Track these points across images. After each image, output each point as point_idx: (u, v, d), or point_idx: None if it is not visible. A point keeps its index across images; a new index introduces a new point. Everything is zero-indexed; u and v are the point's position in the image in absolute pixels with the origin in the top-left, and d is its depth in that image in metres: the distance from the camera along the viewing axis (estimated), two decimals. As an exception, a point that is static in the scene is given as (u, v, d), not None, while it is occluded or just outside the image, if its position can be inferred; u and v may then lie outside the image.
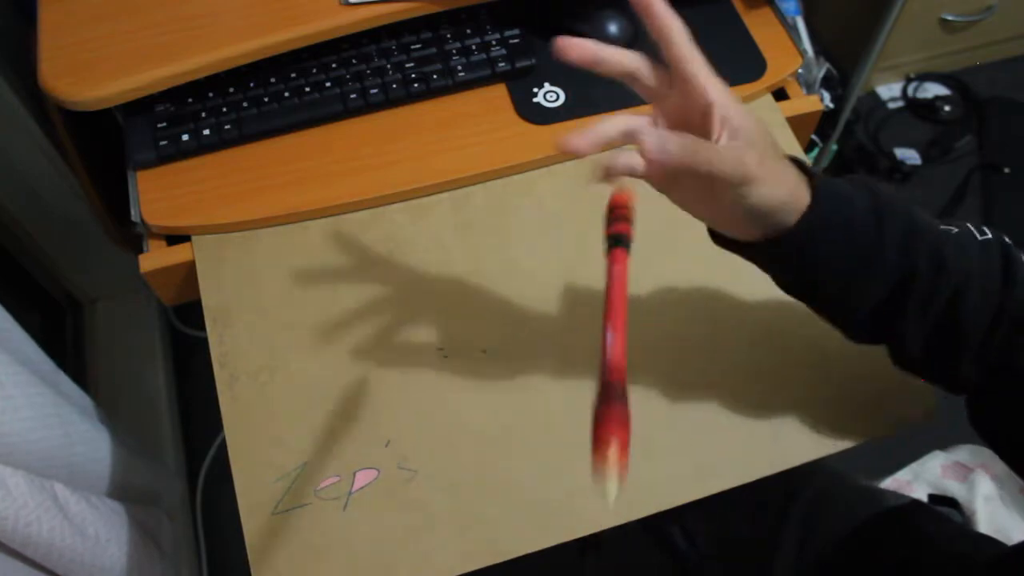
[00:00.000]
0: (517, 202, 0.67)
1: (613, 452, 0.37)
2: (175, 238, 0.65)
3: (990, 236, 0.48)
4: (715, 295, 0.63)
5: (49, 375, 0.74)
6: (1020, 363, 0.46)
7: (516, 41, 0.71)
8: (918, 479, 1.00)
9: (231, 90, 0.68)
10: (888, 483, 1.02)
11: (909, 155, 1.57)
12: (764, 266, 0.50)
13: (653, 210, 0.68)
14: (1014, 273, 0.47)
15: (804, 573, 0.64)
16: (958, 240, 0.47)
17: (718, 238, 0.51)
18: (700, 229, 0.66)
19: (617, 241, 0.46)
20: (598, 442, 0.37)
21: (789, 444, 0.57)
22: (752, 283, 0.64)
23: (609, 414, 0.38)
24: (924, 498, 0.72)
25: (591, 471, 0.37)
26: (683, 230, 0.66)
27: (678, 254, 0.64)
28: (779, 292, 0.63)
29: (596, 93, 0.70)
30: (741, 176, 0.41)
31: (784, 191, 0.43)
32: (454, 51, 0.70)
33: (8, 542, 0.62)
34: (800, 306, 0.63)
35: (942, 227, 0.48)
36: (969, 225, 0.49)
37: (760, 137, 0.43)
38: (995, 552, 0.57)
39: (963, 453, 0.92)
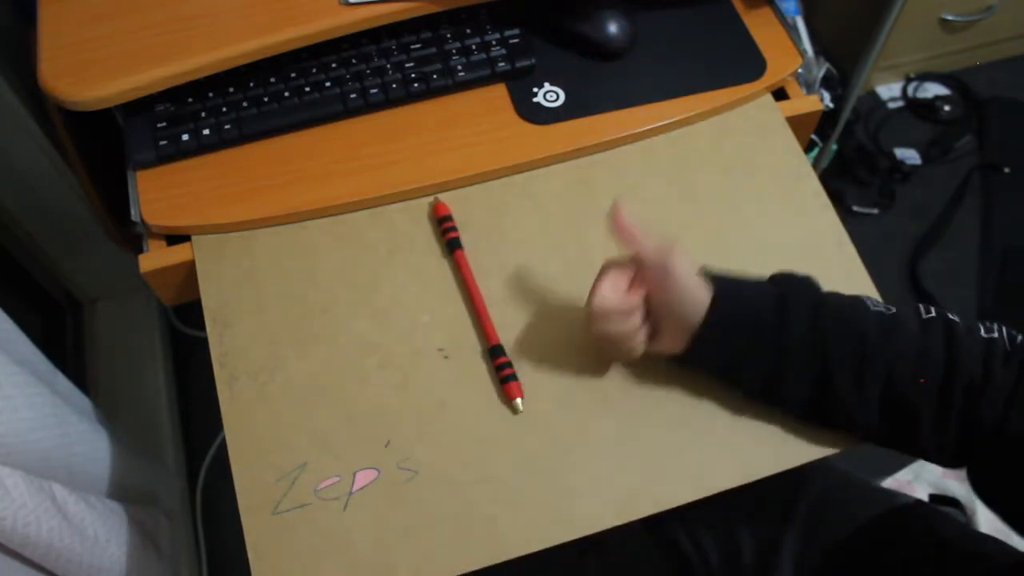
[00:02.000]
0: (517, 202, 0.67)
1: (518, 401, 0.58)
2: (175, 238, 0.65)
3: (934, 314, 0.52)
4: (715, 295, 0.63)
5: (47, 375, 0.74)
6: (986, 427, 0.49)
7: (516, 41, 0.71)
8: (919, 479, 1.00)
9: (231, 90, 0.68)
10: (889, 483, 1.02)
11: (909, 155, 1.57)
12: (701, 362, 0.57)
13: (653, 219, 0.69)
14: (958, 345, 0.50)
15: (807, 573, 0.64)
16: (889, 321, 0.51)
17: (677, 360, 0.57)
18: (701, 234, 0.66)
19: (455, 245, 0.63)
20: (508, 394, 0.58)
21: (789, 444, 0.57)
22: (752, 283, 0.64)
23: (506, 376, 0.58)
24: (925, 498, 0.72)
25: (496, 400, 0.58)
26: (684, 236, 0.66)
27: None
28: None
29: (596, 93, 0.70)
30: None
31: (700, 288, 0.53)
32: (454, 51, 0.70)
33: (7, 542, 0.62)
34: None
35: (873, 309, 0.52)
36: (912, 310, 0.53)
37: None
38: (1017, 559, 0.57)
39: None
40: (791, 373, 0.53)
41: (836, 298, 0.54)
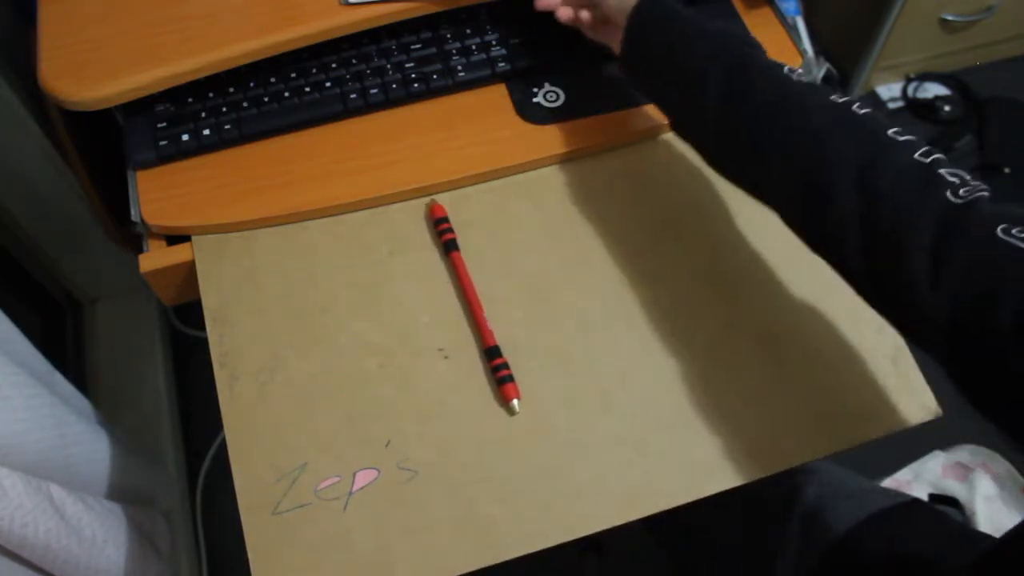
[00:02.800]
0: (517, 202, 0.67)
1: (515, 402, 0.58)
2: (175, 238, 0.65)
3: (841, 99, 0.50)
4: (714, 296, 0.63)
5: (45, 376, 0.74)
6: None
7: (516, 41, 0.71)
8: (918, 479, 1.00)
9: (231, 90, 0.68)
10: (888, 483, 1.02)
11: (909, 155, 1.57)
12: (634, 82, 0.62)
13: (653, 220, 0.69)
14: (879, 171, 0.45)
15: (805, 573, 0.64)
16: (793, 85, 0.52)
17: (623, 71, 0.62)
18: (701, 235, 0.66)
19: (451, 247, 0.63)
20: (504, 396, 0.58)
21: (789, 444, 0.57)
22: (752, 285, 0.64)
23: (503, 378, 0.58)
24: (925, 497, 0.72)
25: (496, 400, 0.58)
26: (684, 237, 0.66)
27: (676, 255, 0.65)
28: (778, 294, 0.63)
29: (596, 94, 0.70)
30: None
31: None
32: (454, 51, 0.70)
33: (4, 543, 0.62)
34: (800, 307, 0.63)
35: (793, 76, 0.52)
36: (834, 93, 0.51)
37: None
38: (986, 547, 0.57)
39: (963, 453, 0.92)
40: (707, 89, 0.53)
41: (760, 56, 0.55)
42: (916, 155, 0.45)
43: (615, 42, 0.61)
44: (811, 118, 0.49)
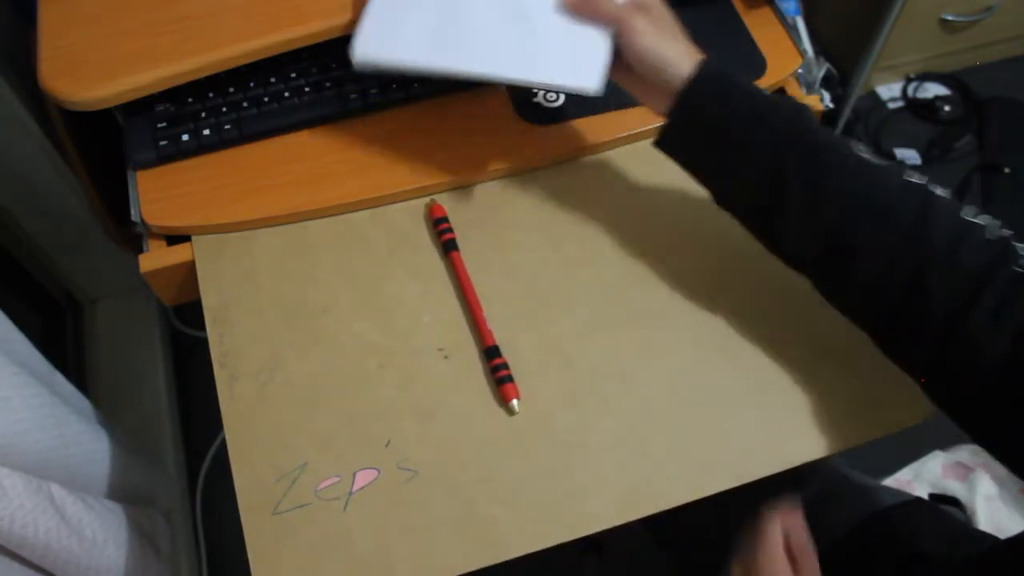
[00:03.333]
0: (517, 202, 0.67)
1: (515, 402, 0.58)
2: (175, 238, 0.65)
3: (917, 180, 0.50)
4: (714, 297, 0.63)
5: (45, 376, 0.74)
6: (937, 311, 0.46)
7: (516, 41, 0.71)
8: (919, 478, 1.00)
9: (231, 90, 0.68)
10: (889, 483, 1.02)
11: (909, 155, 1.57)
12: (675, 152, 0.58)
13: (653, 220, 0.69)
14: (933, 214, 0.47)
15: None
16: (871, 169, 0.49)
17: (660, 143, 0.59)
18: (701, 235, 0.66)
19: (451, 247, 0.63)
20: (504, 396, 0.58)
21: (788, 444, 0.57)
22: (752, 284, 0.64)
23: (502, 378, 0.58)
24: (925, 497, 0.72)
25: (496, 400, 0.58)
26: (684, 237, 0.66)
27: (676, 255, 0.65)
28: (779, 294, 0.63)
29: (596, 93, 0.70)
30: (618, 18, 0.54)
31: (671, 51, 0.53)
32: (454, 51, 0.70)
33: (4, 543, 0.62)
34: (800, 308, 0.63)
35: (859, 152, 0.50)
36: (898, 165, 0.51)
37: (660, 10, 0.55)
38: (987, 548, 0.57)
39: (963, 453, 0.92)
40: (748, 171, 0.52)
41: (819, 129, 0.52)
42: (993, 234, 0.49)
43: (650, 100, 0.57)
44: (898, 214, 0.48)
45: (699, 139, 0.55)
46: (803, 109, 0.52)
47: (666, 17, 0.55)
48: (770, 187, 0.51)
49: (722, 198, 0.57)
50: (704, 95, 0.53)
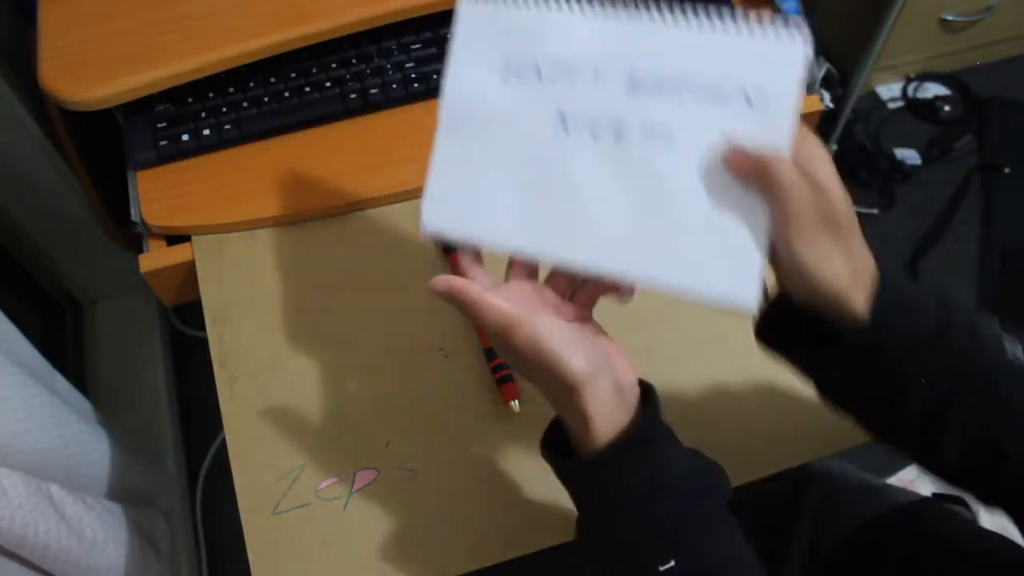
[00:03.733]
0: (517, 202, 0.67)
1: (515, 402, 0.57)
2: (175, 238, 0.65)
3: None
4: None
5: (45, 376, 0.74)
6: None
7: (516, 41, 0.71)
8: (922, 477, 0.99)
9: (231, 90, 0.68)
10: (892, 481, 1.02)
11: (909, 155, 1.57)
12: (807, 366, 0.45)
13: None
14: None
15: (815, 572, 0.64)
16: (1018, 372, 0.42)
17: (765, 337, 0.47)
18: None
19: (449, 247, 0.60)
20: (504, 396, 0.57)
21: (792, 443, 0.57)
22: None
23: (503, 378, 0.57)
24: (929, 495, 0.72)
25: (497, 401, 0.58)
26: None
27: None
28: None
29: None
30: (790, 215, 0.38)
31: (843, 281, 0.39)
32: (454, 51, 0.70)
33: (4, 543, 0.62)
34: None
35: (1006, 354, 0.43)
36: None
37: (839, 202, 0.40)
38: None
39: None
40: (914, 402, 0.42)
41: (987, 343, 0.43)
42: None
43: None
44: None
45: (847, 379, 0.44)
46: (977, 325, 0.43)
47: (846, 220, 0.40)
48: (935, 416, 0.42)
49: (854, 408, 0.46)
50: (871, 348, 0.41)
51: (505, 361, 0.58)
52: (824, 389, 0.46)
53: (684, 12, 0.41)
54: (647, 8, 0.41)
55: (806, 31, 0.40)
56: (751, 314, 0.43)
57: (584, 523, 0.43)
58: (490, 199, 0.44)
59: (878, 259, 0.41)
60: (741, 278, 0.40)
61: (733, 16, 0.40)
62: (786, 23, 0.40)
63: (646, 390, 0.43)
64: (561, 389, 0.41)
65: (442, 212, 0.46)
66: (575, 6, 0.43)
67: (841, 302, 0.39)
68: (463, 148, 0.45)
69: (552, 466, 0.44)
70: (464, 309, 0.44)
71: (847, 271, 0.39)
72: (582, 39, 0.42)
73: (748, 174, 0.40)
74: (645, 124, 0.41)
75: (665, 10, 0.41)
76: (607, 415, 0.40)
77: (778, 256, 0.40)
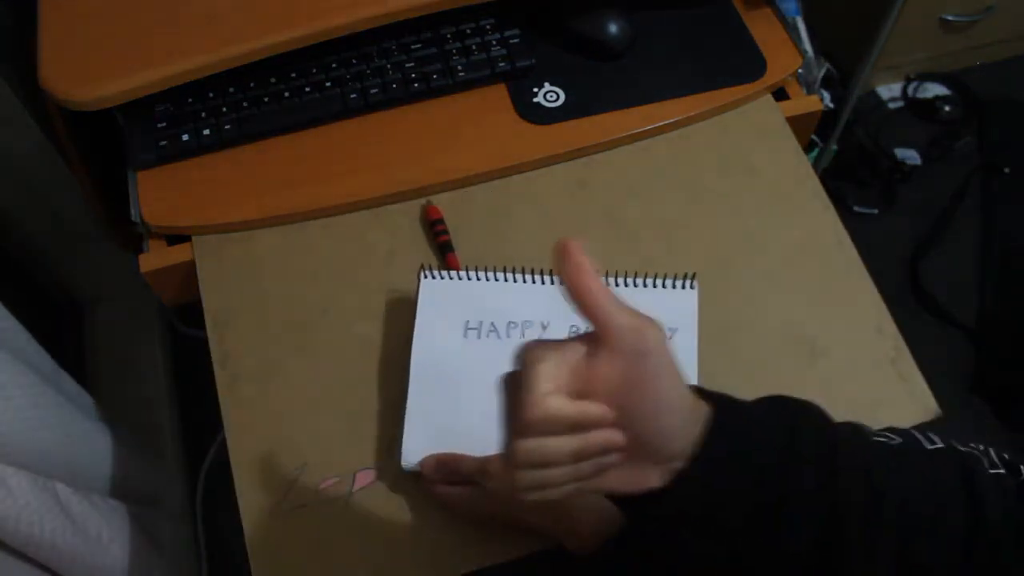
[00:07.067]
0: (517, 202, 0.67)
1: None
2: (175, 238, 0.65)
3: (941, 445, 0.40)
4: (715, 297, 0.63)
5: (50, 375, 0.74)
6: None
7: (516, 41, 0.71)
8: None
9: (231, 90, 0.68)
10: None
11: (909, 155, 1.57)
12: (664, 528, 0.41)
13: (654, 219, 0.68)
14: (979, 490, 0.38)
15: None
16: (898, 454, 0.40)
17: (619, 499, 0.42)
18: (701, 235, 0.66)
19: (447, 248, 0.63)
20: None
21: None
22: (753, 284, 0.64)
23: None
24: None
25: None
26: (684, 237, 0.66)
27: (676, 254, 0.65)
28: (780, 293, 0.63)
29: (596, 93, 0.70)
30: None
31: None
32: (454, 51, 0.70)
33: (10, 542, 0.62)
34: (801, 305, 0.63)
35: (875, 438, 0.41)
36: (915, 432, 0.42)
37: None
38: None
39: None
40: (795, 519, 0.38)
41: (844, 432, 0.41)
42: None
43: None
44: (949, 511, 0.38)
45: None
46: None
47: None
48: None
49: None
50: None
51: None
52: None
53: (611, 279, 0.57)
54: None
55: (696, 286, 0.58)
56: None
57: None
58: (462, 427, 0.53)
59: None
60: None
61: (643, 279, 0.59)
62: (684, 282, 0.58)
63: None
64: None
65: (418, 451, 0.54)
66: (517, 277, 0.57)
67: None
68: (432, 396, 0.55)
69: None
70: (443, 472, 0.51)
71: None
72: (531, 304, 0.56)
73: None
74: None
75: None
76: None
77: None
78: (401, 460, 0.54)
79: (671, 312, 0.58)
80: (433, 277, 0.59)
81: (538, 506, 0.38)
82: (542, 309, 0.56)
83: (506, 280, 0.58)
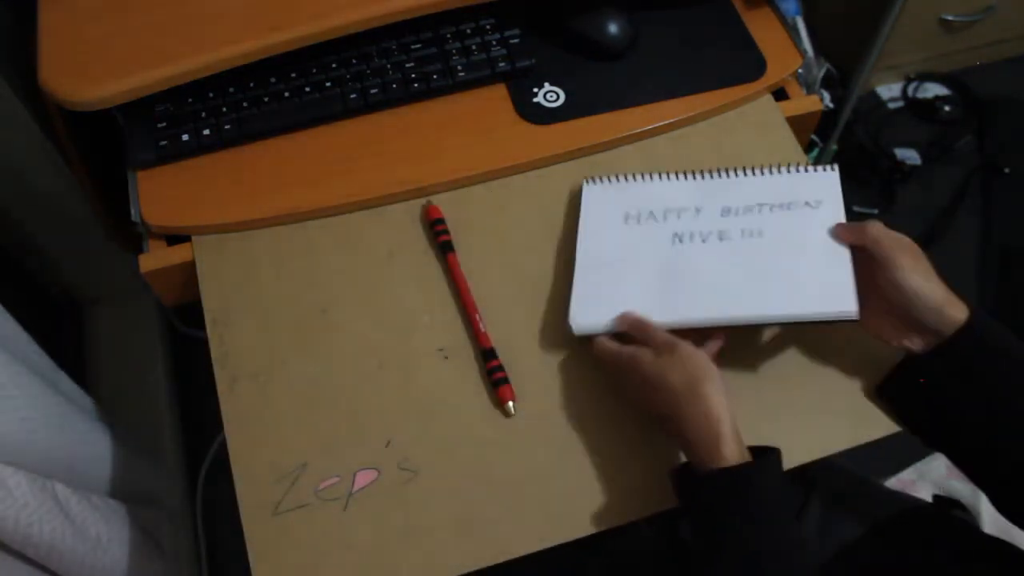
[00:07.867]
0: (517, 202, 0.67)
1: (511, 404, 0.58)
2: (175, 238, 0.65)
3: None
4: (715, 295, 0.63)
5: (50, 375, 0.74)
6: None
7: (516, 41, 0.71)
8: (923, 479, 1.00)
9: (231, 90, 0.68)
10: (892, 483, 1.02)
11: (909, 155, 1.57)
12: (918, 400, 0.55)
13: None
14: None
15: (823, 572, 0.64)
16: None
17: (887, 388, 0.57)
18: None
19: (447, 248, 0.63)
20: (500, 398, 0.58)
21: (792, 444, 0.57)
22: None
23: (498, 380, 0.58)
24: (929, 498, 0.72)
25: (497, 401, 0.58)
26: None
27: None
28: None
29: (596, 93, 0.70)
30: (888, 252, 0.53)
31: (939, 293, 0.52)
32: (454, 51, 0.70)
33: (9, 542, 0.62)
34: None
35: None
36: None
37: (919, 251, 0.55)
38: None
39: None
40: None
41: None
42: None
43: (898, 337, 0.55)
44: None
45: (962, 387, 0.52)
46: None
47: (925, 257, 0.54)
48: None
49: (948, 444, 0.55)
50: (980, 344, 0.52)
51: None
52: (927, 421, 0.55)
53: (752, 170, 0.63)
54: (724, 172, 0.63)
55: (836, 168, 0.63)
56: (854, 318, 0.55)
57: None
58: (621, 299, 0.58)
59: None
60: (839, 295, 0.55)
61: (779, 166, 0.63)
62: (825, 167, 0.63)
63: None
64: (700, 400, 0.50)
65: (584, 315, 0.59)
66: (672, 176, 0.64)
67: (943, 311, 0.52)
68: (596, 275, 0.60)
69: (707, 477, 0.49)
70: (636, 330, 0.56)
71: (940, 286, 0.53)
72: (684, 194, 0.63)
73: (853, 239, 0.57)
74: (743, 229, 0.60)
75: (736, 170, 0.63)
76: (733, 422, 0.50)
77: (887, 297, 0.54)
78: (570, 320, 0.58)
79: (815, 188, 0.62)
80: (595, 183, 0.65)
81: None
82: (695, 197, 0.62)
83: (660, 179, 0.64)
